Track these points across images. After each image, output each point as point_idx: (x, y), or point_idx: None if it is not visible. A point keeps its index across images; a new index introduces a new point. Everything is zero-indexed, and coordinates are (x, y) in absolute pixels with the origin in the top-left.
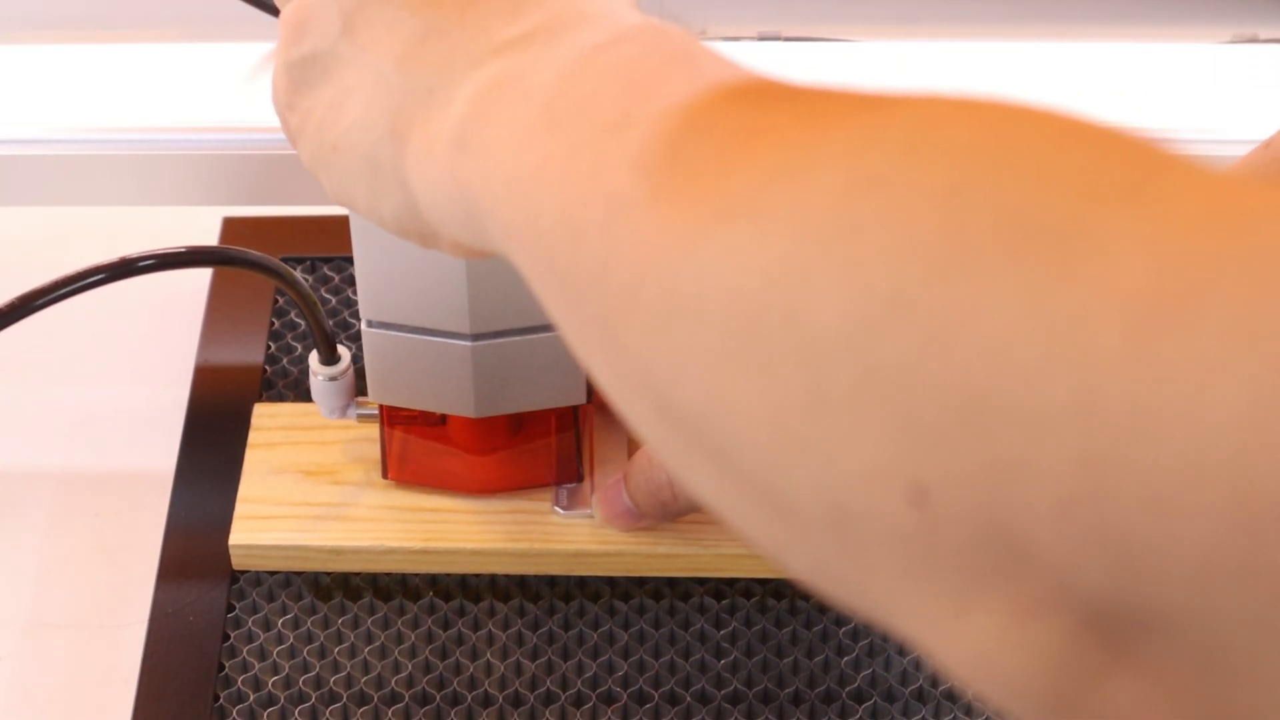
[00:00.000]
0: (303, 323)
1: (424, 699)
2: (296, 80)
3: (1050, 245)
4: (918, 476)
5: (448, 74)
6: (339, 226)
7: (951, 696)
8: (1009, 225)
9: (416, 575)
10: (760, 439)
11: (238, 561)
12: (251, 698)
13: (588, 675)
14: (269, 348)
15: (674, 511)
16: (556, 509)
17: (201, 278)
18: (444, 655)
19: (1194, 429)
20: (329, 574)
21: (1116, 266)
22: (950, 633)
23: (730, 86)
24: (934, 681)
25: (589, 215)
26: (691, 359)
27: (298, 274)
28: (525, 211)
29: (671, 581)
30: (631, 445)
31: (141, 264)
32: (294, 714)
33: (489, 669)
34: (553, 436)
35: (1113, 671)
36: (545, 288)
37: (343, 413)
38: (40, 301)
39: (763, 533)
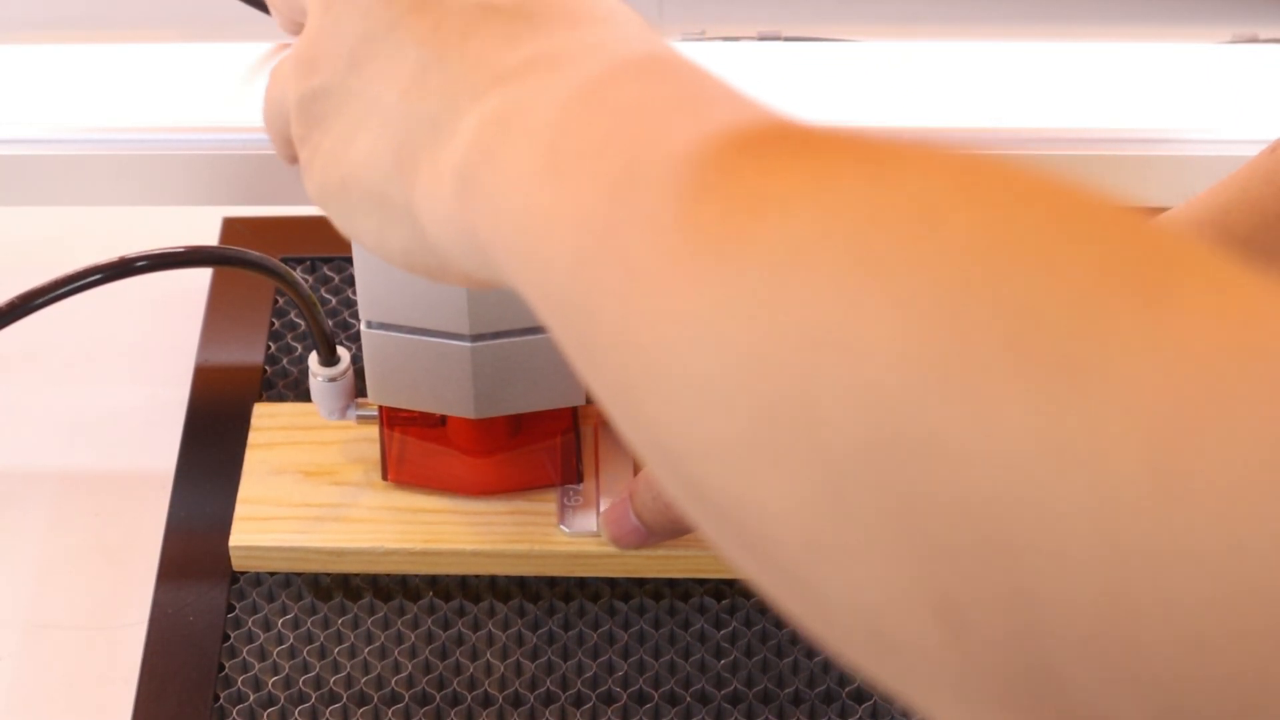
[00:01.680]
0: (303, 323)
1: (424, 699)
2: (305, 115)
3: (1060, 354)
4: (948, 598)
5: (450, 105)
6: None
7: None
8: (1016, 330)
9: (416, 575)
10: (790, 539)
11: (238, 563)
12: (251, 698)
13: (588, 675)
14: (269, 348)
15: (684, 528)
16: (562, 527)
17: (201, 278)
18: (444, 655)
19: (1230, 560)
20: (329, 574)
21: (1132, 379)
22: None
23: (736, 135)
24: None
25: (607, 281)
26: (716, 443)
27: (298, 274)
28: (536, 259)
29: (671, 581)
30: (637, 459)
31: (140, 264)
32: (294, 714)
33: (489, 669)
34: (552, 438)
35: None
36: (563, 337)
37: (342, 414)
38: (40, 301)
39: (806, 621)
